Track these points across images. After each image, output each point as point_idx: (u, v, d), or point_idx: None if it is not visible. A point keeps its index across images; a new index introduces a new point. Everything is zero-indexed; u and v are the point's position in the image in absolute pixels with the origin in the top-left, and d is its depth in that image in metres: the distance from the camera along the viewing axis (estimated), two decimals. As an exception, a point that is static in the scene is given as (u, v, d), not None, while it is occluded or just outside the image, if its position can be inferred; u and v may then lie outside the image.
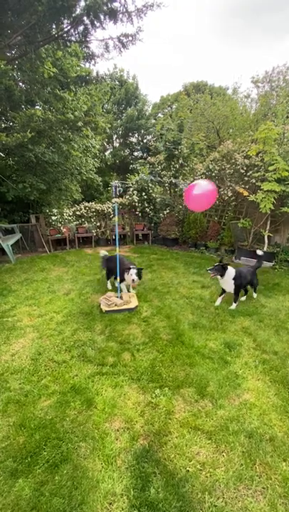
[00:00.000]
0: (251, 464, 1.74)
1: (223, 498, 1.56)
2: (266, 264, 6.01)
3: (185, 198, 2.85)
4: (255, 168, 6.25)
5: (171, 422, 2.05)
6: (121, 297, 4.04)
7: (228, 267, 3.81)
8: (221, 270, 3.79)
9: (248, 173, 6.45)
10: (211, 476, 1.68)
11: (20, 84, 7.45)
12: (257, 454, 1.80)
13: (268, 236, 6.18)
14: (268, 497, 1.57)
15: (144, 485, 1.62)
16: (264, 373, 2.57)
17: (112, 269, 4.29)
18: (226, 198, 7.07)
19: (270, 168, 5.57)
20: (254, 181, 6.24)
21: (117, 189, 3.73)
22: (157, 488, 1.61)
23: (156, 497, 1.55)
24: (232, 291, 3.89)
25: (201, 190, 2.76)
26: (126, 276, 4.07)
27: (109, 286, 4.64)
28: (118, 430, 1.99)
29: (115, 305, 3.85)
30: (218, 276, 3.84)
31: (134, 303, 3.97)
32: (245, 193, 6.12)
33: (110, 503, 1.54)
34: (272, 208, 5.60)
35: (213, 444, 1.88)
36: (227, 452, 1.82)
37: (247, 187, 6.45)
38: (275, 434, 1.94)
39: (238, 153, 6.82)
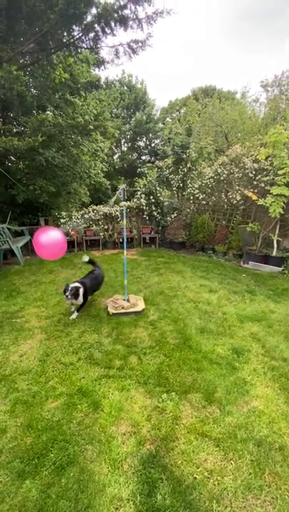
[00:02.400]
0: (260, 473, 1.70)
1: (231, 507, 1.53)
2: (275, 269, 5.93)
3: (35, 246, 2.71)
4: (264, 172, 6.21)
5: (178, 427, 2.03)
6: (128, 300, 4.04)
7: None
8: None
9: (257, 177, 6.41)
10: (218, 484, 1.65)
11: (32, 90, 7.63)
12: (266, 463, 1.76)
13: (277, 240, 6.10)
14: (278, 507, 1.53)
15: (151, 491, 1.61)
16: (273, 380, 2.53)
17: None
18: (235, 201, 7.03)
19: (280, 172, 5.53)
20: (263, 185, 6.19)
21: (124, 192, 3.77)
22: (164, 494, 1.59)
23: (162, 503, 1.54)
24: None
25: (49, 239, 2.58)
26: None
27: None
28: (125, 434, 1.98)
29: (122, 308, 3.86)
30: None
31: (140, 306, 3.97)
32: (254, 197, 6.07)
33: (117, 508, 1.53)
34: (282, 212, 5.54)
35: (221, 451, 1.85)
36: (235, 460, 1.79)
37: (256, 191, 6.41)
38: (284, 443, 1.90)
39: (247, 157, 6.78)
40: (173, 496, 1.58)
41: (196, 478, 1.68)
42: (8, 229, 6.85)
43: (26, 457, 1.81)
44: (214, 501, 1.55)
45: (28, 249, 7.87)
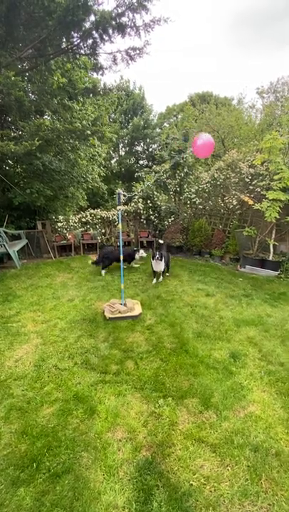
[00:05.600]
0: (257, 479, 1.69)
1: (228, 514, 1.52)
2: (272, 273, 5.96)
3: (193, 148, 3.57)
4: (260, 177, 6.27)
5: (175, 433, 2.02)
6: (125, 304, 4.03)
7: None
8: None
9: (253, 182, 6.47)
10: (215, 490, 1.63)
11: (30, 94, 7.67)
12: (263, 469, 1.75)
13: (274, 245, 6.14)
14: (275, 514, 1.52)
15: (147, 498, 1.59)
16: (270, 385, 2.52)
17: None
18: (231, 206, 7.08)
19: (276, 177, 5.59)
20: (259, 190, 6.25)
21: (121, 196, 3.78)
22: (160, 501, 1.57)
23: (158, 511, 1.52)
24: None
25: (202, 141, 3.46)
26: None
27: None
28: (120, 440, 1.96)
29: (119, 312, 3.84)
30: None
31: (137, 310, 3.96)
32: (250, 202, 6.13)
33: (112, 516, 1.51)
34: (278, 216, 5.59)
35: (218, 457, 1.84)
36: (232, 466, 1.78)
37: (252, 196, 6.46)
38: (281, 449, 1.89)
39: (243, 163, 6.85)
40: (169, 503, 1.56)
41: (192, 484, 1.66)
42: (5, 232, 6.82)
43: (21, 464, 1.78)
44: (211, 508, 1.54)
45: (25, 252, 7.84)
